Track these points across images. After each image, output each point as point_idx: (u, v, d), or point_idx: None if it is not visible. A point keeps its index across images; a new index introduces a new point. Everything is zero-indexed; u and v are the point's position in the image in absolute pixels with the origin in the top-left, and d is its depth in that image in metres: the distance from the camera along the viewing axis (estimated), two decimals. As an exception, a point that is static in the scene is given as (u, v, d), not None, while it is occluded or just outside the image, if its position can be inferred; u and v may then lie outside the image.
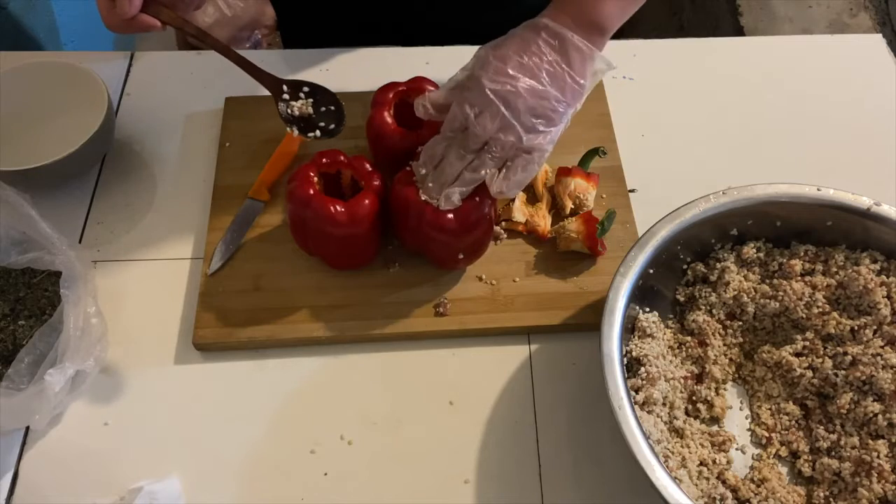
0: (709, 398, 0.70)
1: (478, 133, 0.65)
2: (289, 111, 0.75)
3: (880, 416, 0.66)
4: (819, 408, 0.70)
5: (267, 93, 0.77)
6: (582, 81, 0.66)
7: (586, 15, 0.66)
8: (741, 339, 0.73)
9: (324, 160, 0.73)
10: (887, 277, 0.71)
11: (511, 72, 0.64)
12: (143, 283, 0.77)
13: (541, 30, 0.65)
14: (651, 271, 0.68)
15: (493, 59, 0.65)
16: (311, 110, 0.76)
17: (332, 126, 0.76)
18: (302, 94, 0.77)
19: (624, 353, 0.65)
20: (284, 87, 0.76)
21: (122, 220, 0.81)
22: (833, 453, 0.67)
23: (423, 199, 0.69)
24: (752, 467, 0.68)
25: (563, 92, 0.65)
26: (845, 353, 0.69)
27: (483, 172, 0.66)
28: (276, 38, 1.81)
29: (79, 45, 1.50)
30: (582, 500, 0.67)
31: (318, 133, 0.75)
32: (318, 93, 0.77)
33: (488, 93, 0.64)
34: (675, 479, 0.58)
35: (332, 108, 0.77)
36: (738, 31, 1.80)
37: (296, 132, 0.75)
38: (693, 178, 0.80)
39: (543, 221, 0.79)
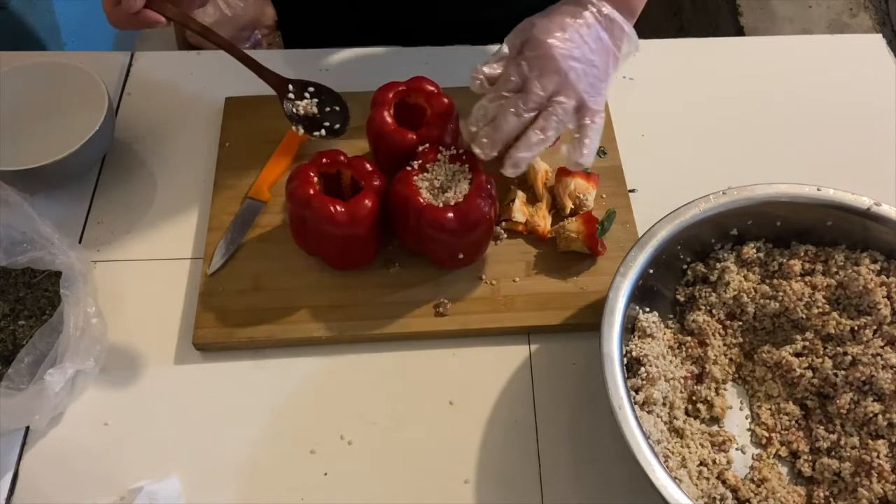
0: (709, 398, 0.70)
1: (538, 93, 0.64)
2: (294, 110, 0.76)
3: (880, 416, 0.66)
4: (819, 408, 0.70)
5: (267, 93, 0.77)
6: (618, 55, 0.68)
7: (624, 1, 0.69)
8: (741, 339, 0.73)
9: (324, 160, 0.73)
10: (887, 277, 0.71)
11: (569, 37, 0.65)
12: (143, 283, 0.77)
13: (587, 4, 0.67)
14: (651, 271, 0.68)
15: (551, 25, 0.65)
16: (315, 110, 0.77)
17: (338, 126, 0.76)
18: (307, 94, 0.77)
19: (624, 353, 0.65)
20: (290, 87, 0.76)
21: (122, 220, 0.81)
22: (833, 453, 0.67)
23: (474, 151, 0.66)
24: (752, 467, 0.68)
25: (607, 64, 0.67)
26: (845, 353, 0.69)
27: (550, 133, 0.64)
28: (276, 38, 1.81)
29: (79, 45, 1.50)
30: (582, 500, 0.67)
31: (322, 132, 0.76)
32: (324, 93, 0.78)
33: (556, 54, 0.64)
34: (675, 479, 0.58)
35: (338, 108, 0.77)
36: (738, 31, 1.80)
37: (301, 131, 0.75)
38: (693, 178, 0.80)
39: (543, 221, 0.79)
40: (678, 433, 0.67)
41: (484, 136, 0.65)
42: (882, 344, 0.68)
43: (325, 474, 0.67)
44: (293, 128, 0.76)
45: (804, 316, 0.71)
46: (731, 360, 0.73)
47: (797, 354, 0.71)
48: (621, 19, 0.68)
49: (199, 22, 0.74)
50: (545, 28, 0.65)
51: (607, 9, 0.67)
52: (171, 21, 0.72)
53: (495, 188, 0.73)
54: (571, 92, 0.64)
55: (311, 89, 0.78)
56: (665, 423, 0.66)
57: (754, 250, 0.73)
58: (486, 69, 0.67)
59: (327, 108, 0.77)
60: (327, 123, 0.76)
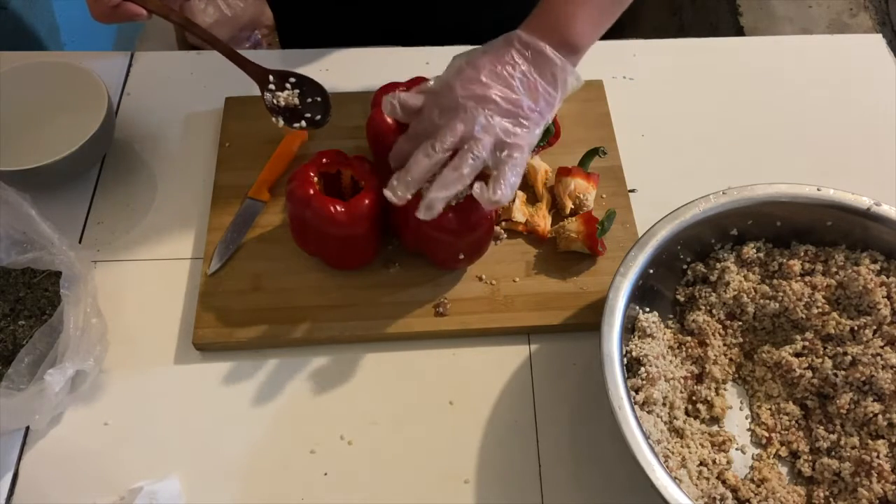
0: (709, 398, 0.70)
1: (448, 135, 0.63)
2: (274, 101, 0.75)
3: (880, 416, 0.66)
4: (819, 408, 0.70)
5: (267, 93, 0.77)
6: (553, 92, 0.66)
7: (558, 34, 0.66)
8: (741, 339, 0.73)
9: (324, 160, 0.73)
10: (887, 277, 0.71)
11: (484, 79, 0.64)
12: (143, 283, 0.77)
13: (514, 40, 0.66)
14: (651, 271, 0.68)
15: (466, 67, 0.65)
16: (297, 101, 0.76)
17: (319, 117, 0.76)
18: (288, 85, 0.77)
19: (624, 353, 0.65)
20: (270, 78, 0.76)
21: (122, 220, 0.81)
22: (833, 453, 0.67)
23: (386, 195, 0.65)
24: (752, 467, 0.68)
25: (536, 101, 0.65)
26: (845, 354, 0.69)
27: (466, 171, 0.63)
28: (275, 38, 1.81)
29: (79, 45, 1.50)
30: (582, 500, 0.67)
31: (303, 124, 0.75)
32: (305, 84, 0.77)
33: (459, 98, 0.63)
34: (675, 479, 0.58)
35: (319, 98, 0.77)
36: (738, 31, 1.80)
37: (281, 123, 0.75)
38: (693, 178, 0.80)
39: (543, 221, 0.79)
40: (678, 433, 0.67)
41: (395, 179, 0.64)
42: (882, 344, 0.68)
43: (325, 474, 0.67)
44: (273, 119, 0.75)
45: (804, 316, 0.71)
46: (731, 360, 0.73)
47: (797, 354, 0.71)
48: (554, 55, 0.65)
49: (180, 14, 0.74)
50: (458, 70, 0.65)
51: (538, 44, 0.65)
52: (152, 14, 0.72)
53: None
54: (483, 131, 0.63)
55: (293, 80, 0.77)
56: (665, 423, 0.66)
57: (754, 250, 0.73)
58: (402, 95, 0.66)
59: (308, 100, 0.76)
60: (308, 115, 0.76)
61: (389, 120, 0.76)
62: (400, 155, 0.67)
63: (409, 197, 0.64)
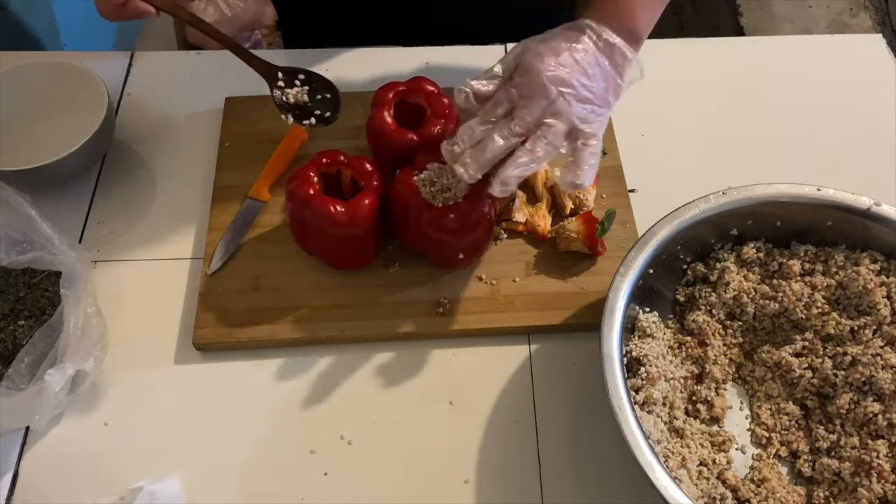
0: (709, 398, 0.70)
1: (525, 118, 0.63)
2: (284, 98, 0.75)
3: (880, 416, 0.66)
4: (819, 408, 0.70)
5: (267, 92, 0.77)
6: (620, 82, 0.67)
7: (624, 24, 0.67)
8: (741, 339, 0.73)
9: (324, 160, 0.73)
10: (887, 277, 0.71)
11: (563, 64, 0.64)
12: (143, 283, 0.77)
13: (585, 29, 0.67)
14: (651, 271, 0.68)
15: (545, 51, 0.65)
16: (306, 98, 0.76)
17: (328, 114, 0.76)
18: (297, 82, 0.76)
19: (624, 353, 0.65)
20: (280, 75, 0.76)
21: (122, 220, 0.81)
22: (833, 453, 0.67)
23: (457, 172, 0.64)
24: (752, 467, 0.68)
25: (608, 90, 0.66)
26: (845, 354, 0.69)
27: (540, 154, 0.63)
28: (276, 38, 1.81)
29: (79, 45, 1.50)
30: (582, 500, 0.67)
31: (313, 121, 0.75)
32: (314, 80, 0.77)
33: (545, 79, 0.63)
34: (675, 479, 0.58)
35: (329, 95, 0.76)
36: (738, 31, 1.80)
37: (291, 120, 0.75)
38: (693, 178, 0.80)
39: (543, 221, 0.79)
40: (678, 433, 0.67)
41: (469, 157, 0.64)
42: (882, 344, 0.68)
43: (325, 474, 0.67)
44: (283, 117, 0.75)
45: (804, 316, 0.71)
46: (731, 360, 0.73)
47: (797, 354, 0.71)
48: (623, 45, 0.67)
49: (188, 11, 0.74)
50: (537, 53, 0.64)
51: (608, 34, 0.66)
52: (160, 11, 0.72)
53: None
54: (561, 116, 0.63)
55: (302, 77, 0.77)
56: (665, 423, 0.66)
57: (754, 250, 0.73)
58: (474, 84, 0.66)
59: (318, 96, 0.76)
60: (318, 112, 0.75)
61: (389, 120, 0.76)
62: (472, 137, 0.65)
63: (479, 177, 0.64)
